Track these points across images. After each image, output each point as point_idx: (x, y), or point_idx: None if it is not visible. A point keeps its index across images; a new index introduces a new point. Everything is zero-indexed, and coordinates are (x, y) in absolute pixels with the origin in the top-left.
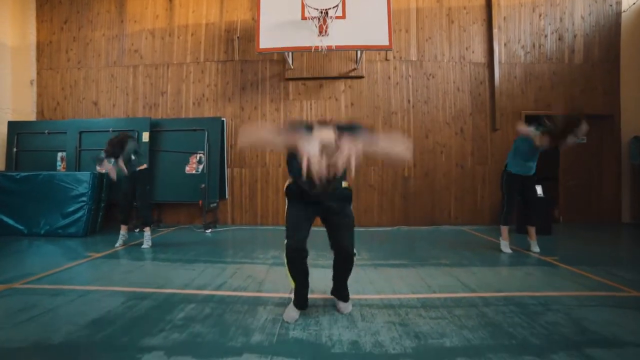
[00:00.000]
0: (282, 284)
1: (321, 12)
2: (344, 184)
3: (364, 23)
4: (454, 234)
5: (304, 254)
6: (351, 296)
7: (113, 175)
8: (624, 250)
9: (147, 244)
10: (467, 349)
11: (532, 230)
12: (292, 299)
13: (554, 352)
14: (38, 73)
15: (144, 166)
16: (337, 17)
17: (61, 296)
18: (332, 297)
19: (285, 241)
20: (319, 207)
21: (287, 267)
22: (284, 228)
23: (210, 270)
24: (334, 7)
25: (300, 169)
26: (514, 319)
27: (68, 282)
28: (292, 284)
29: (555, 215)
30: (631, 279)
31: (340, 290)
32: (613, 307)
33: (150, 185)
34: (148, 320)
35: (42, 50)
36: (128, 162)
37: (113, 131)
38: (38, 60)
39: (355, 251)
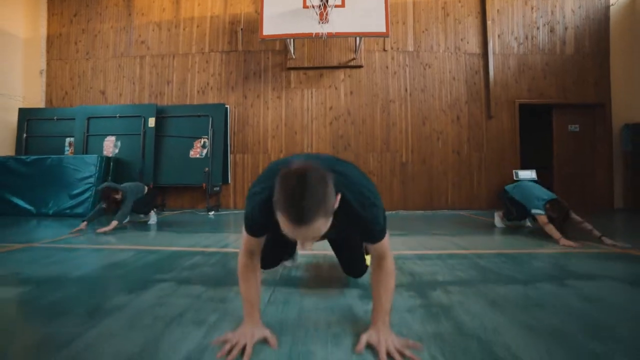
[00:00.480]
0: None
1: (321, 1)
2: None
3: (362, 11)
4: (451, 216)
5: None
6: None
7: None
8: (607, 226)
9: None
10: (457, 282)
11: None
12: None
13: (537, 282)
14: (48, 64)
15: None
16: (336, 6)
17: (77, 251)
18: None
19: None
20: None
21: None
22: None
23: (214, 237)
24: None
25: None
26: (504, 265)
27: (81, 244)
28: None
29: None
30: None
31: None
32: (594, 259)
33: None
34: (159, 265)
35: (52, 42)
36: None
37: (120, 117)
38: (48, 51)
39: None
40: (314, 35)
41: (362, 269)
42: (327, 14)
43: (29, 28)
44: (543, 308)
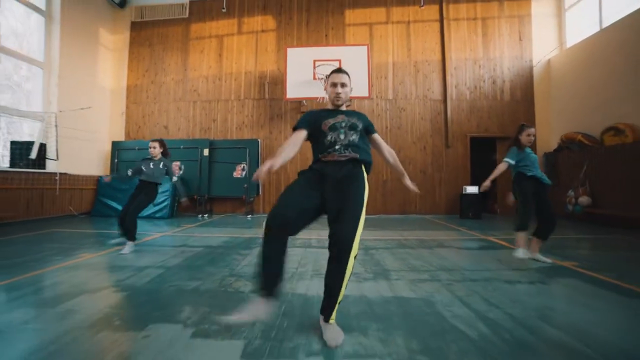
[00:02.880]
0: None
1: (325, 76)
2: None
3: (352, 82)
4: (417, 219)
5: (288, 229)
6: None
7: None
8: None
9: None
10: (383, 247)
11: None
12: (258, 285)
13: (421, 247)
14: (127, 106)
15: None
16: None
17: (196, 236)
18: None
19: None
20: (325, 191)
21: (262, 244)
22: None
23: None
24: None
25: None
26: (412, 242)
27: (192, 233)
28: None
29: (494, 209)
30: (503, 237)
31: (326, 307)
32: (486, 249)
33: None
34: (247, 242)
35: (130, 90)
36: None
37: (184, 148)
38: (127, 97)
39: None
40: (318, 99)
41: (353, 235)
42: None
43: (114, 82)
44: (417, 254)
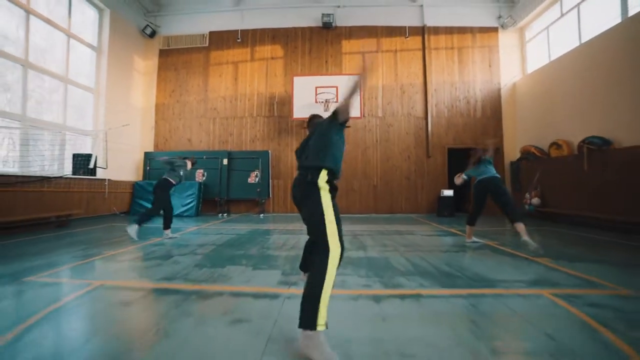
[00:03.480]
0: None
1: (325, 100)
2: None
3: None
4: (402, 217)
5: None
6: None
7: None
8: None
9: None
10: (368, 233)
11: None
12: (324, 326)
13: (394, 234)
14: (155, 122)
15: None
16: (334, 102)
17: (200, 236)
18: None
19: (337, 247)
20: None
21: (332, 282)
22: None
23: (273, 224)
24: (332, 98)
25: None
26: (388, 229)
27: (199, 232)
28: (325, 310)
29: (468, 208)
30: (461, 230)
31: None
32: (443, 236)
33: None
34: (267, 232)
35: (158, 108)
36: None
37: (206, 158)
38: (156, 114)
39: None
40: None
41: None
42: (328, 106)
43: (145, 101)
44: (390, 238)
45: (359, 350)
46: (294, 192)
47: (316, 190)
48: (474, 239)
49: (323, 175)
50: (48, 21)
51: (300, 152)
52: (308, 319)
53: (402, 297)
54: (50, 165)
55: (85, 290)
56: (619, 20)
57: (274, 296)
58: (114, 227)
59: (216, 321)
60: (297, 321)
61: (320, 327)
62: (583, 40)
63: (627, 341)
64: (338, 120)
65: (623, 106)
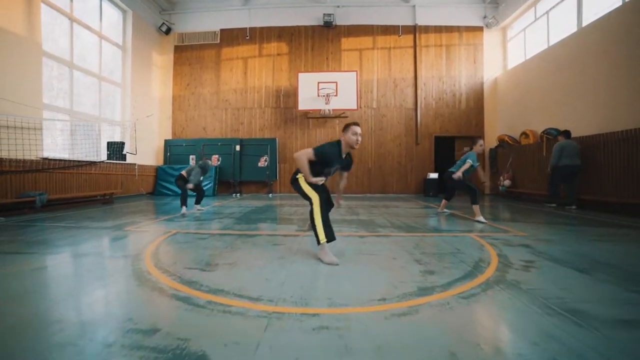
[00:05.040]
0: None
1: (326, 94)
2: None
3: (345, 98)
4: (393, 197)
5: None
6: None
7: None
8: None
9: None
10: (362, 207)
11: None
12: (325, 240)
13: (379, 207)
14: (173, 112)
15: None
16: (334, 96)
17: (226, 208)
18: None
19: (316, 196)
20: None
21: (320, 216)
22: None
23: (280, 201)
24: (332, 92)
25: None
26: (377, 203)
27: (224, 206)
28: (322, 231)
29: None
30: (437, 204)
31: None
32: (422, 209)
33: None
34: (275, 206)
35: (175, 99)
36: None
37: (221, 145)
38: (173, 105)
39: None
40: (321, 111)
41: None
42: (329, 99)
43: (163, 93)
44: (378, 209)
45: (348, 253)
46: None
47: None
48: (445, 210)
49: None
50: (86, 27)
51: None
52: (315, 237)
53: (378, 236)
54: (91, 151)
55: (169, 234)
56: (575, 29)
57: (295, 236)
58: (150, 203)
59: (263, 244)
60: (312, 247)
61: (322, 241)
62: (550, 44)
63: (497, 252)
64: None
65: (576, 103)
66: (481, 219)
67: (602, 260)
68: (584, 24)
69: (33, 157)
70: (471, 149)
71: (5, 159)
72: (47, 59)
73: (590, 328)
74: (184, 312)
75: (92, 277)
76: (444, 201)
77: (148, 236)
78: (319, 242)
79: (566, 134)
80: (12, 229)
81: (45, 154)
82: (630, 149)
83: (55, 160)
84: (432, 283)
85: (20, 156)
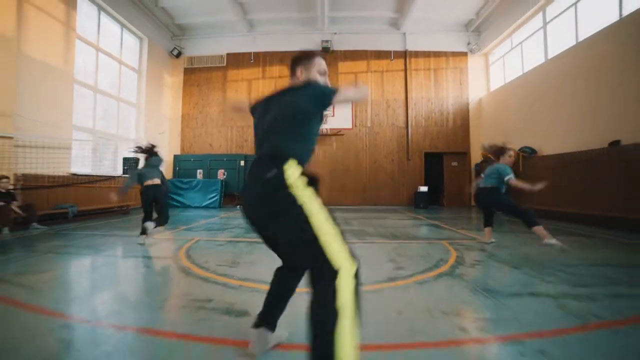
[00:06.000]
0: None
1: (324, 115)
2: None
3: (342, 118)
4: (386, 209)
5: None
6: None
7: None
8: (451, 212)
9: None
10: (357, 218)
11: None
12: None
13: (374, 218)
14: (181, 130)
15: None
16: (331, 116)
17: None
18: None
19: (348, 261)
20: None
21: (353, 308)
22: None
23: None
24: (329, 113)
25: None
26: (371, 214)
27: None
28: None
29: (442, 202)
30: (425, 216)
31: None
32: (409, 220)
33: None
34: None
35: (184, 117)
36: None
37: (227, 160)
38: (182, 123)
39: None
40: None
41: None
42: (326, 120)
43: (173, 112)
44: (370, 221)
45: None
46: (246, 202)
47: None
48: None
49: (292, 167)
50: (109, 55)
51: (258, 131)
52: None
53: (365, 243)
54: (110, 167)
55: (192, 241)
56: (543, 60)
57: None
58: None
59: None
60: None
61: None
62: (524, 70)
63: (458, 255)
64: (331, 98)
65: (546, 125)
66: (553, 241)
67: (536, 260)
68: (550, 56)
69: (63, 173)
70: (498, 159)
71: (44, 175)
72: (77, 85)
73: (492, 299)
74: (225, 290)
75: (151, 272)
76: (488, 229)
77: (175, 243)
78: None
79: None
80: (59, 237)
81: (73, 170)
82: (591, 167)
83: (81, 175)
84: (398, 275)
85: (53, 172)
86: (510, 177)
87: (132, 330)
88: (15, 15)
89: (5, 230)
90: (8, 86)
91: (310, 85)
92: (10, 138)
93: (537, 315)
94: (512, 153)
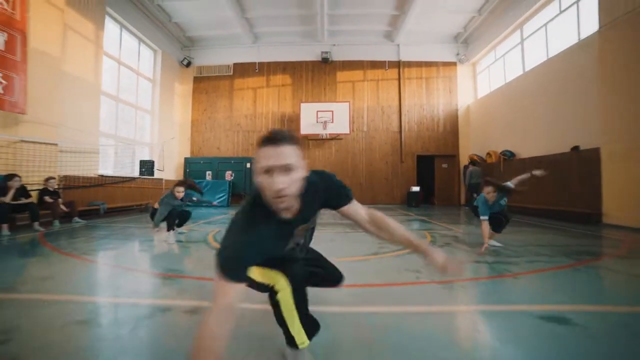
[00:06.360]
0: None
1: (324, 121)
2: None
3: (340, 124)
4: (382, 207)
5: None
6: None
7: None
8: (440, 210)
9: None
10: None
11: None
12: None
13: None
14: (191, 134)
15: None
16: (330, 122)
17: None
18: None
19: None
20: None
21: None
22: None
23: None
24: (328, 120)
25: None
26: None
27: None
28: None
29: (433, 201)
30: (417, 213)
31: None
32: (401, 215)
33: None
34: None
35: (193, 123)
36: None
37: (234, 162)
38: (191, 128)
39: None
40: (320, 135)
41: (340, 273)
42: (326, 126)
43: (183, 118)
44: None
45: (339, 239)
46: None
47: None
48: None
49: None
50: (129, 67)
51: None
52: (288, 338)
53: (358, 232)
54: (128, 169)
55: (214, 232)
56: (521, 72)
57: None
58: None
59: None
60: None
61: (302, 345)
62: (506, 81)
63: (431, 239)
64: None
65: (524, 130)
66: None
67: (493, 244)
68: (527, 68)
69: (93, 174)
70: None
71: (79, 176)
72: (103, 96)
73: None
74: None
75: (194, 251)
76: (491, 232)
77: (201, 233)
78: (295, 346)
79: (473, 163)
80: (100, 229)
81: (100, 172)
82: (557, 169)
83: (107, 176)
84: (380, 251)
85: (85, 174)
86: (481, 218)
87: (194, 278)
88: (61, 38)
89: (56, 222)
90: (54, 100)
91: None
92: (55, 145)
93: (471, 272)
94: (489, 190)
